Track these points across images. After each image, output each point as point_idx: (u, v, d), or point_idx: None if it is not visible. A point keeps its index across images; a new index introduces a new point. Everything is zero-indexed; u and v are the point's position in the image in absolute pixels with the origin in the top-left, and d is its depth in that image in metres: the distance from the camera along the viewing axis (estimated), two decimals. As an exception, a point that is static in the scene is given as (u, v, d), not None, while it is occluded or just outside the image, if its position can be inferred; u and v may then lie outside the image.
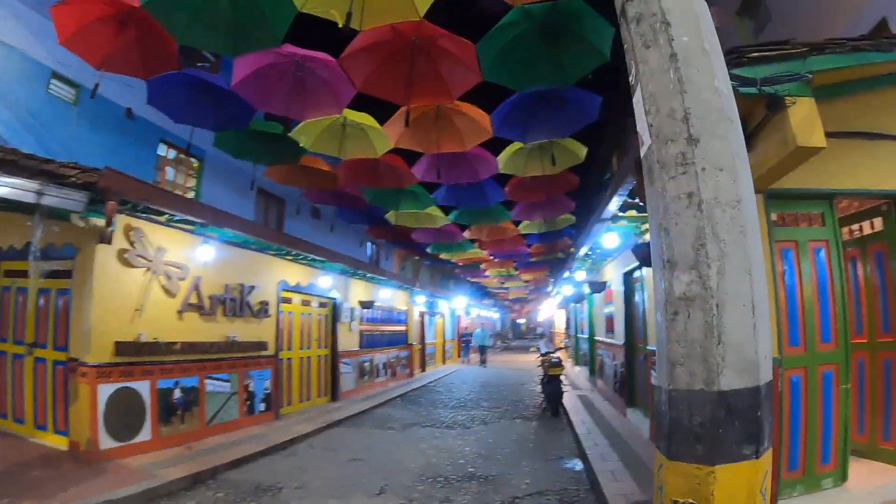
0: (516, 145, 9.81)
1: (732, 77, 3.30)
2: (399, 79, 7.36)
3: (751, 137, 4.25)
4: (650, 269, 8.02)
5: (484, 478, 7.01)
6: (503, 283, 28.69)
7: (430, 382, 19.15)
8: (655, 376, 2.78)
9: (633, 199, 6.88)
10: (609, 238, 8.72)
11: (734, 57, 3.91)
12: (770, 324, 2.62)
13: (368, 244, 22.61)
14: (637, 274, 10.02)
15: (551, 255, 19.67)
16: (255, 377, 10.28)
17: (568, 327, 25.34)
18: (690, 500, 2.39)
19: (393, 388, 17.08)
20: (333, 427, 10.55)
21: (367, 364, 16.37)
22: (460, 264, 21.60)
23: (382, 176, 10.62)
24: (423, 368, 23.11)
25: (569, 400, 12.19)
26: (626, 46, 2.98)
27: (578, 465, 7.64)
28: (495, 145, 9.80)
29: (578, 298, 16.02)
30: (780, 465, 4.75)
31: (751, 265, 2.54)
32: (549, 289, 26.85)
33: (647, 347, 8.57)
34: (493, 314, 48.00)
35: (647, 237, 6.39)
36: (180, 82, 7.72)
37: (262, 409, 10.48)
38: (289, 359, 11.84)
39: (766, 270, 4.73)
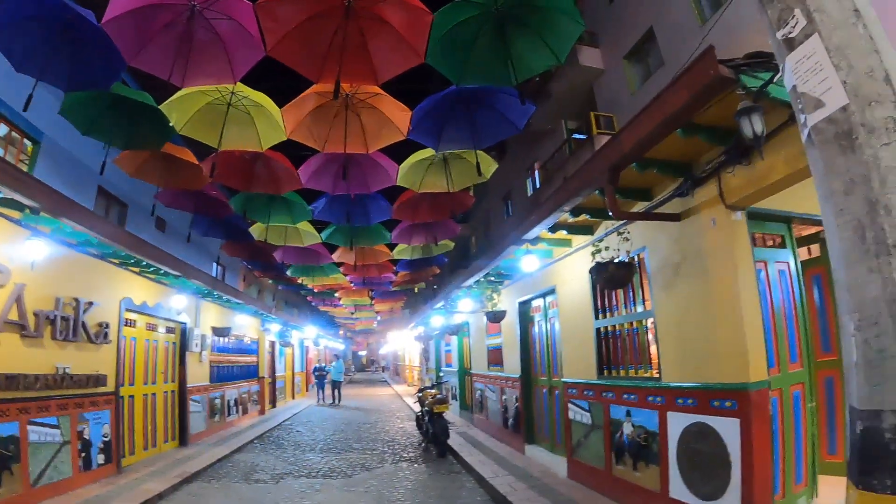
0: (422, 154, 9.10)
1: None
2: (320, 46, 6.26)
3: (759, 146, 4.08)
4: (567, 296, 7.93)
5: None
6: (353, 312, 27.54)
7: (286, 420, 17.59)
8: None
9: (576, 215, 6.44)
10: (528, 261, 8.29)
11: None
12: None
13: (214, 264, 20.58)
14: (537, 303, 9.72)
15: (412, 285, 19.18)
16: (91, 420, 8.23)
17: (426, 360, 24.50)
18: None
19: (247, 427, 15.38)
20: (191, 482, 8.78)
21: (217, 401, 14.57)
22: (316, 290, 20.27)
23: (258, 177, 9.32)
24: (273, 404, 21.33)
25: (451, 438, 11.41)
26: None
27: None
28: (395, 152, 8.97)
29: (454, 330, 15.51)
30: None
31: None
32: (406, 319, 26.21)
33: (563, 380, 8.19)
34: (339, 345, 46.38)
35: (600, 258, 6.02)
36: (33, 13, 5.76)
37: (101, 461, 8.37)
38: (131, 396, 9.85)
39: (753, 289, 4.79)
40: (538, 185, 21.03)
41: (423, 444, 11.98)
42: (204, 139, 7.80)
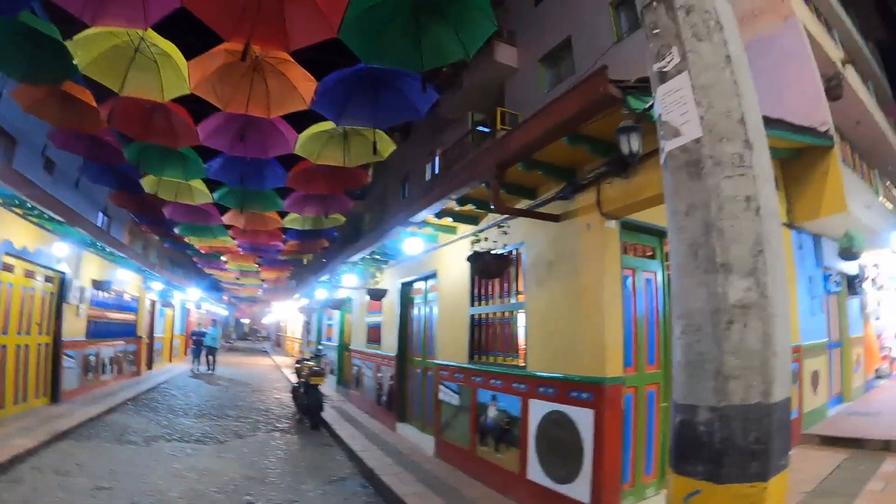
0: (323, 126, 9.09)
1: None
2: (236, 5, 6.24)
3: (634, 163, 4.46)
4: (447, 281, 8.18)
5: None
6: (239, 278, 26.65)
7: (162, 384, 16.98)
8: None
9: (463, 205, 6.67)
10: (412, 243, 8.48)
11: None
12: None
13: (100, 213, 19.36)
14: (419, 286, 9.96)
15: (300, 256, 18.92)
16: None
17: (308, 333, 24.17)
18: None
19: (121, 388, 14.70)
20: (62, 440, 8.45)
21: (93, 358, 13.88)
22: (203, 252, 19.53)
23: (156, 128, 8.95)
24: (150, 366, 20.39)
25: (325, 412, 11.46)
26: (658, 32, 2.79)
27: (369, 487, 7.08)
28: (298, 121, 8.98)
29: (336, 304, 15.47)
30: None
31: (785, 278, 2.51)
32: (291, 290, 25.65)
33: (436, 362, 8.44)
34: (223, 311, 44.69)
35: (478, 247, 6.29)
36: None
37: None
38: (3, 346, 9.31)
39: (617, 293, 5.20)
40: (437, 172, 21.27)
41: (297, 416, 11.99)
42: (106, 82, 7.46)
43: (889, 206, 12.45)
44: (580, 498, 5.07)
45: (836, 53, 11.41)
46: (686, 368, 2.47)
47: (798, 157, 8.32)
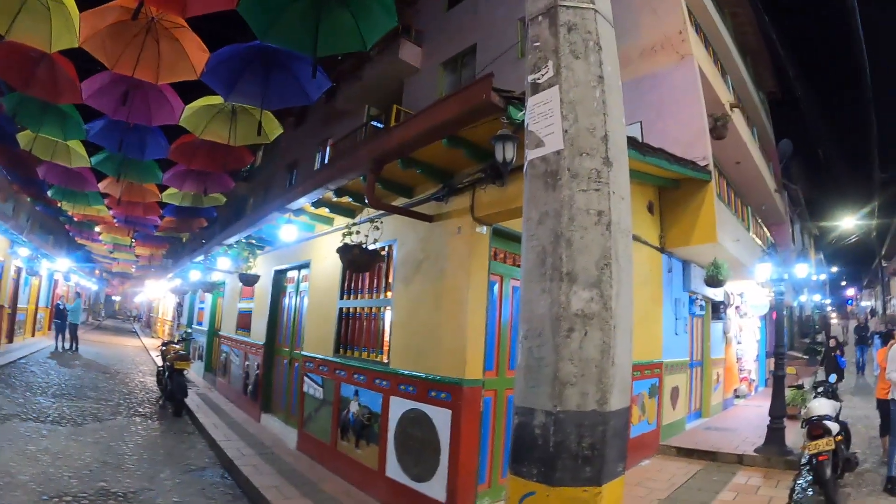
0: (211, 100, 8.72)
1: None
2: None
3: (509, 170, 4.52)
4: (319, 272, 8.03)
5: (122, 495, 5.73)
6: (112, 252, 24.99)
7: (21, 359, 15.78)
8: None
9: (340, 196, 6.56)
10: (288, 231, 8.27)
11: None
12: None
13: None
14: (292, 274, 9.76)
15: (178, 233, 18.10)
16: None
17: (179, 315, 23.12)
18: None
19: None
20: None
21: None
22: (76, 219, 18.18)
23: (39, 79, 8.14)
24: (11, 339, 18.83)
25: (189, 399, 11.03)
26: (538, 45, 2.84)
27: (228, 478, 6.85)
28: (186, 91, 8.57)
29: (209, 287, 14.87)
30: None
31: (631, 293, 2.60)
32: (166, 269, 24.35)
33: (303, 353, 8.29)
34: (93, 285, 42.00)
35: (349, 240, 6.19)
36: None
37: None
38: None
39: (483, 297, 5.25)
40: (325, 162, 20.95)
41: (160, 401, 11.46)
42: None
43: (758, 241, 13.31)
44: (436, 496, 5.11)
45: (726, 96, 12.12)
46: (526, 372, 2.50)
47: (677, 186, 8.77)
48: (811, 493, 6.08)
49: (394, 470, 5.73)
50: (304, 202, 7.08)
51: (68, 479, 5.98)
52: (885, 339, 9.78)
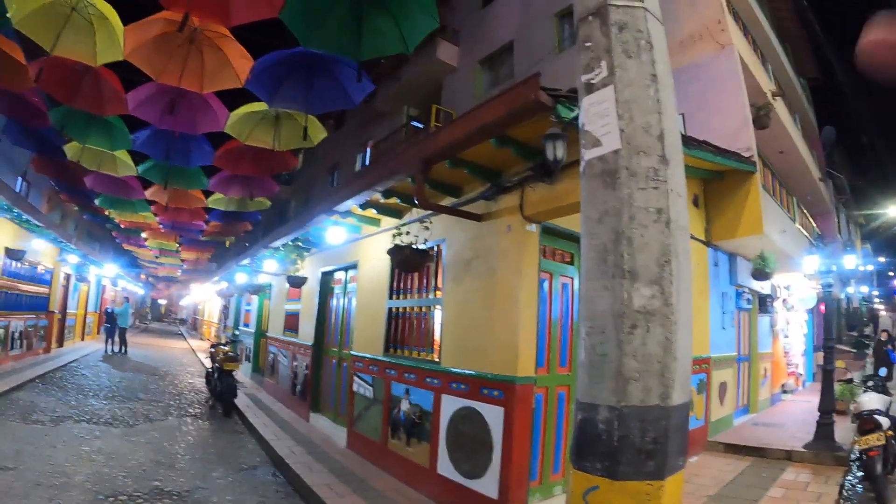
0: (255, 106, 8.87)
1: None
2: None
3: (560, 168, 4.54)
4: (367, 273, 8.14)
5: (176, 494, 5.87)
6: (158, 257, 25.55)
7: (72, 362, 16.22)
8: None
9: (388, 197, 6.66)
10: (335, 233, 8.39)
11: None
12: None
13: (20, 179, 18.26)
14: (339, 276, 9.88)
15: (223, 238, 18.45)
16: None
17: (225, 317, 23.50)
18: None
19: (30, 365, 14.05)
20: None
21: (1, 331, 13.22)
22: (122, 226, 18.66)
23: (85, 93, 8.47)
24: (61, 343, 19.41)
25: (238, 399, 11.25)
26: (590, 45, 2.86)
27: (280, 476, 6.98)
28: (229, 98, 8.75)
29: (255, 289, 15.13)
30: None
31: (690, 289, 2.62)
32: (211, 272, 24.82)
33: (352, 353, 8.38)
34: (140, 290, 42.93)
35: (399, 241, 6.26)
36: None
37: None
38: None
39: (533, 295, 5.28)
40: (367, 164, 21.12)
41: (210, 402, 11.69)
42: (38, 39, 7.05)
43: (804, 232, 13.07)
44: (488, 493, 5.15)
45: (767, 85, 11.92)
46: (589, 368, 2.54)
47: (721, 178, 8.67)
48: (861, 489, 5.99)
49: (445, 467, 5.78)
50: (351, 204, 7.18)
51: (123, 479, 6.14)
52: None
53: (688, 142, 6.57)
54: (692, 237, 8.28)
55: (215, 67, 7.60)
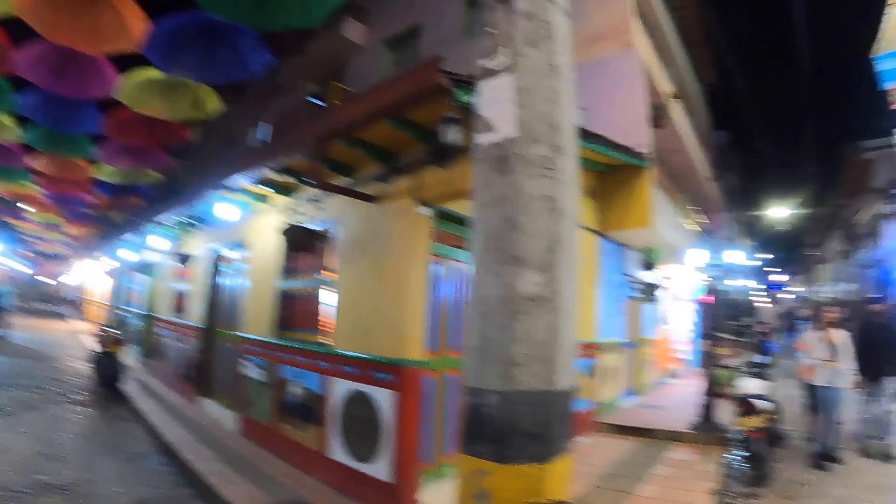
0: (149, 72, 8.31)
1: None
2: None
3: (455, 153, 4.56)
4: (259, 252, 7.91)
5: (63, 488, 5.53)
6: (42, 232, 23.66)
7: None
8: (467, 376, 2.63)
9: (281, 175, 6.49)
10: (227, 210, 8.10)
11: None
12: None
13: None
14: (230, 255, 9.55)
15: (112, 212, 17.50)
16: None
17: (113, 298, 22.11)
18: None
19: None
20: None
21: None
22: (4, 197, 17.24)
23: None
24: None
25: (125, 384, 10.71)
26: (494, 31, 2.87)
27: (169, 465, 6.68)
28: (121, 63, 8.19)
29: (144, 268, 14.42)
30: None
31: (575, 278, 2.68)
32: (98, 249, 23.38)
33: (242, 335, 8.12)
34: (22, 267, 39.98)
35: (292, 220, 6.14)
36: None
37: None
38: None
39: (423, 278, 5.27)
40: (264, 139, 20.53)
41: (96, 387, 11.06)
42: None
43: (692, 227, 13.74)
44: (381, 477, 5.16)
45: (667, 87, 12.37)
46: (476, 353, 2.57)
47: (615, 172, 8.93)
48: (743, 467, 6.43)
49: (338, 451, 5.73)
50: (243, 180, 6.97)
51: (4, 473, 5.76)
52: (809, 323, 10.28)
53: (585, 134, 6.71)
54: (585, 227, 8.53)
55: (110, 28, 7.07)
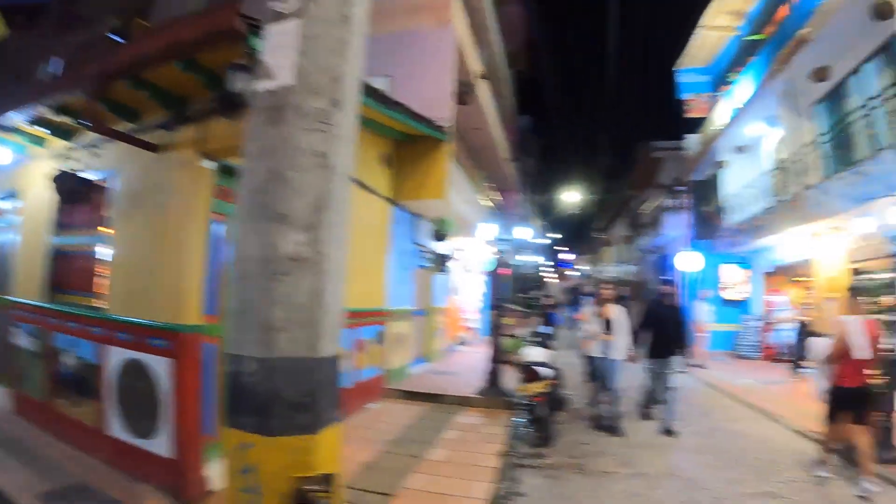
0: None
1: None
2: None
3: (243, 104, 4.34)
4: (30, 203, 6.97)
5: None
6: None
7: None
8: (232, 344, 2.44)
9: (58, 115, 5.74)
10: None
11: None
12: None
13: None
14: (2, 206, 8.35)
15: None
16: None
17: None
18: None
19: None
20: None
21: None
22: None
23: None
24: None
25: None
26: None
27: None
28: None
29: None
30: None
31: (343, 240, 2.59)
32: None
33: (11, 299, 7.15)
34: None
35: (65, 167, 5.48)
36: None
37: None
38: None
39: (203, 238, 4.95)
40: (52, 74, 18.34)
41: None
42: None
43: (486, 203, 14.36)
44: (163, 453, 4.76)
45: (477, 67, 12.71)
46: (236, 318, 2.40)
47: (415, 142, 9.05)
48: (528, 429, 6.89)
49: (116, 427, 5.23)
50: (16, 118, 6.10)
51: None
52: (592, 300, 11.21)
53: (386, 100, 6.71)
54: (378, 194, 8.56)
55: None
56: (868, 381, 5.56)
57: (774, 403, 7.23)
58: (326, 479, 2.33)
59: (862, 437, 5.46)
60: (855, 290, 6.13)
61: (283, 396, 2.29)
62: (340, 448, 2.54)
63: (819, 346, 6.96)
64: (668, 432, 7.35)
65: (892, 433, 5.97)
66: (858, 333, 5.47)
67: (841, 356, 5.56)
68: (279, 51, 2.56)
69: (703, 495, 5.28)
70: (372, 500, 4.68)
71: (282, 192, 2.35)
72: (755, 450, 6.84)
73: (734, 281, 17.13)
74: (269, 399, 2.28)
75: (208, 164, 4.97)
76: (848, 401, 5.56)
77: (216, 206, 5.10)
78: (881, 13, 8.43)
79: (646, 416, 8.03)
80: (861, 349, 5.45)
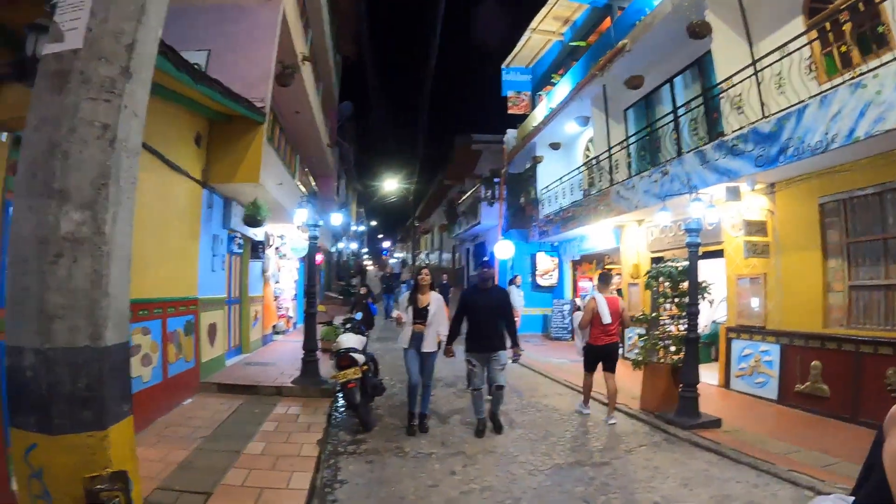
0: None
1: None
2: None
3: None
4: None
5: None
6: None
7: None
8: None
9: None
10: None
11: None
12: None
13: None
14: None
15: None
16: None
17: None
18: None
19: None
20: None
21: None
22: None
23: None
24: None
25: None
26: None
27: None
28: None
29: None
30: None
31: (130, 220, 2.42)
32: None
33: None
34: None
35: None
36: None
37: None
38: None
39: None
40: None
41: None
42: None
43: (302, 188, 14.05)
44: None
45: (302, 48, 12.35)
46: (12, 305, 2.17)
47: (229, 122, 8.62)
48: (346, 416, 6.85)
49: None
50: None
51: None
52: (409, 287, 11.24)
53: (197, 75, 6.31)
54: (187, 175, 7.93)
55: None
56: (612, 340, 7.41)
57: (581, 378, 7.79)
58: (118, 477, 2.16)
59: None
60: (604, 276, 7.82)
61: (65, 391, 2.11)
62: (133, 443, 2.39)
63: (577, 318, 9.00)
64: (499, 429, 6.97)
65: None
66: (604, 306, 7.32)
67: (592, 322, 7.41)
68: (72, 11, 2.33)
69: (519, 468, 5.61)
70: (189, 500, 4.40)
71: (61, 166, 2.15)
72: (565, 422, 7.45)
73: (546, 268, 18.22)
74: (50, 394, 2.10)
75: (1, 136, 4.39)
76: (598, 355, 7.49)
77: (10, 184, 4.50)
78: (696, 32, 9.25)
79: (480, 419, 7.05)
80: (605, 317, 7.28)
